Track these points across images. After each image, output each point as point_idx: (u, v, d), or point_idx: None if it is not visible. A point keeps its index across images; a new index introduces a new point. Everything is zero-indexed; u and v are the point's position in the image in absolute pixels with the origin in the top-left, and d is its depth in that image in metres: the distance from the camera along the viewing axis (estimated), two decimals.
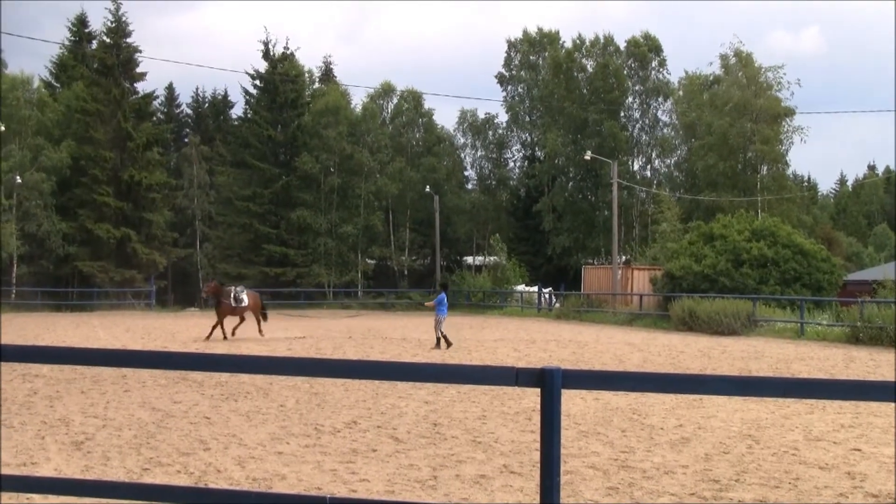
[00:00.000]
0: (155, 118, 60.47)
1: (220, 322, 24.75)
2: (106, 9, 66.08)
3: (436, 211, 56.86)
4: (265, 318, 26.46)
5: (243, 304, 25.34)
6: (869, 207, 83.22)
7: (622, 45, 60.20)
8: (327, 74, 66.98)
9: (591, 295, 42.76)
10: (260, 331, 25.35)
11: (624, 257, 50.70)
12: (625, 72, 59.64)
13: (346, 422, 10.78)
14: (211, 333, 24.64)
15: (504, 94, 65.34)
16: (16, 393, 12.88)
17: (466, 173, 66.42)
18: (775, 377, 5.11)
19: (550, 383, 4.25)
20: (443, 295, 23.51)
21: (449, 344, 22.27)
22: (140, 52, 55.37)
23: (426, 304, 23.59)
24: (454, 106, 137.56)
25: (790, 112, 52.73)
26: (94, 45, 57.90)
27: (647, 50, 59.17)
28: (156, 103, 62.27)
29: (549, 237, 58.17)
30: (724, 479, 7.97)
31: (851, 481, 7.97)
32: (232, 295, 25.17)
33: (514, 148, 66.67)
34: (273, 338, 25.08)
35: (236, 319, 25.66)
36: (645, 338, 27.22)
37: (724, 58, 54.78)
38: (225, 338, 24.50)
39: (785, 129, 53.03)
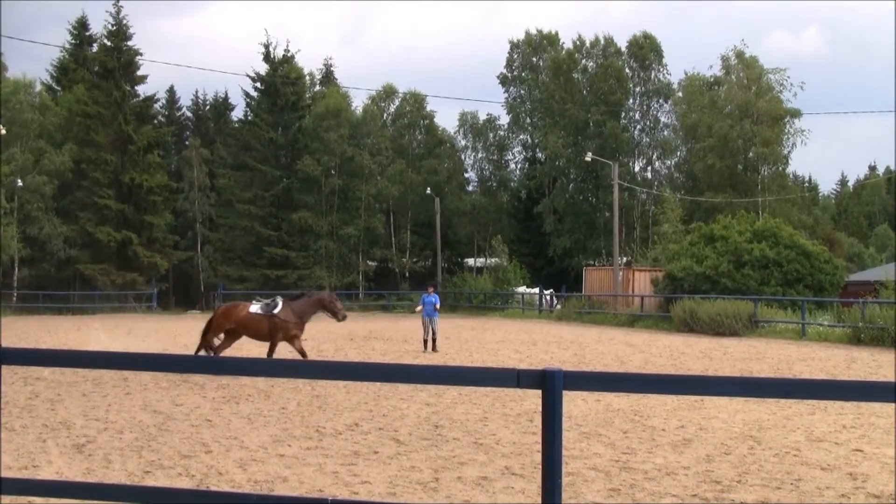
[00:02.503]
0: (156, 121, 60.51)
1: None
2: (107, 12, 66.35)
3: (437, 213, 56.86)
4: None
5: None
6: (870, 208, 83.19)
7: (623, 46, 60.27)
8: (328, 77, 67.04)
9: (592, 296, 42.74)
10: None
11: (625, 259, 50.67)
12: (626, 72, 59.66)
13: (348, 424, 10.78)
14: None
15: (506, 95, 65.41)
16: (17, 396, 12.88)
17: (467, 175, 66.48)
18: (777, 378, 5.12)
19: (552, 385, 4.25)
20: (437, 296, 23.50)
21: (434, 349, 22.26)
22: (141, 54, 55.56)
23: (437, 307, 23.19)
24: (454, 108, 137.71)
25: (795, 113, 52.75)
26: (95, 48, 58.01)
27: (648, 51, 59.16)
28: (156, 106, 62.35)
29: (550, 239, 58.16)
30: (725, 480, 7.96)
31: (853, 482, 7.97)
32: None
33: (514, 150, 66.75)
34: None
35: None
36: (646, 339, 27.20)
37: (725, 59, 54.75)
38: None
39: (787, 131, 53.07)
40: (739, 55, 53.61)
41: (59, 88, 57.39)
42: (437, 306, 22.92)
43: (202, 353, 17.70)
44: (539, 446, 4.40)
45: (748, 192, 51.47)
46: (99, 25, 78.34)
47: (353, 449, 9.25)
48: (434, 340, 22.53)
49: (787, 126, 53.08)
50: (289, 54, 59.50)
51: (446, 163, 63.01)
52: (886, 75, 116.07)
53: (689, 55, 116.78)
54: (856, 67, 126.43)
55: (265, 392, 13.42)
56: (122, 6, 53.86)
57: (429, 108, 63.89)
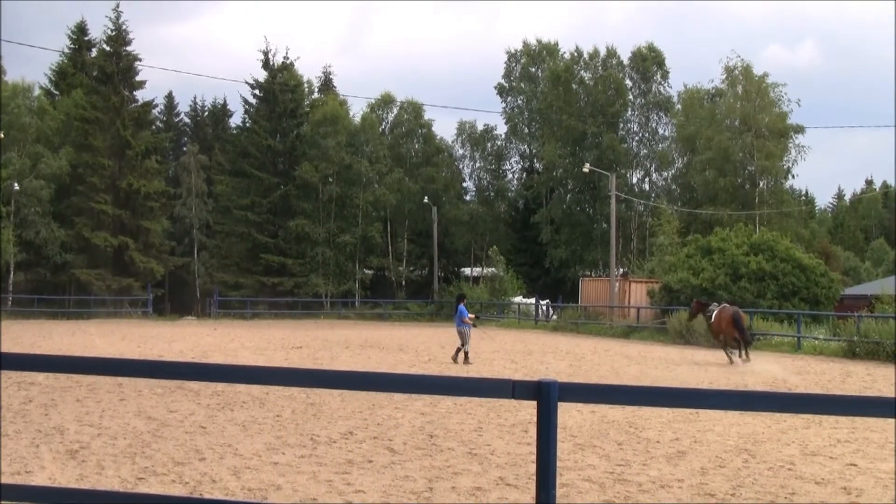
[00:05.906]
0: (154, 127, 60.54)
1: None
2: (106, 17, 66.38)
3: (434, 222, 56.88)
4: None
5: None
6: (866, 222, 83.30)
7: (625, 58, 60.31)
8: (327, 84, 67.11)
9: (588, 307, 42.73)
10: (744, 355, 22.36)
11: (621, 270, 50.68)
12: (626, 84, 59.68)
13: (342, 432, 10.76)
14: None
15: (503, 105, 65.49)
16: (11, 401, 12.83)
17: (465, 184, 66.49)
18: (772, 392, 5.14)
19: (547, 396, 4.25)
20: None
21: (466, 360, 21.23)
22: (139, 60, 55.72)
23: (470, 316, 22.52)
24: (452, 117, 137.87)
25: (799, 129, 52.74)
26: (94, 53, 58.03)
27: (651, 63, 59.18)
28: (155, 112, 62.45)
29: (547, 249, 58.14)
30: (719, 493, 7.96)
31: (848, 496, 7.97)
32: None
33: (512, 159, 66.78)
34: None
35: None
36: (642, 350, 27.19)
37: (728, 70, 54.35)
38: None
39: (789, 146, 53.01)
40: (746, 70, 53.33)
41: (57, 93, 57.38)
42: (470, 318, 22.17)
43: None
44: (533, 457, 4.40)
45: (746, 206, 51.50)
46: (98, 30, 78.42)
47: (347, 457, 9.23)
48: (466, 353, 21.43)
49: (790, 141, 53.03)
50: (288, 61, 59.66)
51: (444, 172, 63.02)
52: (883, 89, 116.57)
53: (683, 68, 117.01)
54: (852, 81, 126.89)
55: (260, 399, 13.39)
56: (121, 11, 54.07)
57: (427, 116, 64.03)
